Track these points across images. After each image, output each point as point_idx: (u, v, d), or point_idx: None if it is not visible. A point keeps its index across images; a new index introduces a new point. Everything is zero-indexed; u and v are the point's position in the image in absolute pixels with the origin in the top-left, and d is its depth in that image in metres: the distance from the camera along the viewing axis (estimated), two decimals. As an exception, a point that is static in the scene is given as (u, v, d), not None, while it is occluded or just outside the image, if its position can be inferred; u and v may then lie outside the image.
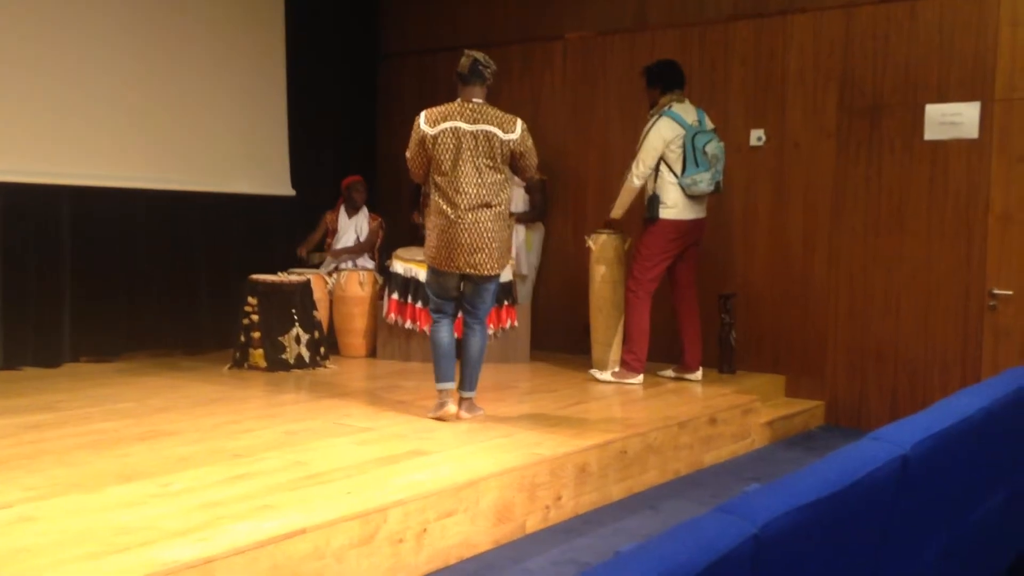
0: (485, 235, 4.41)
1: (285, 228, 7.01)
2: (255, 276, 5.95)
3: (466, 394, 4.61)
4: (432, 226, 4.50)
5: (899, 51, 5.71)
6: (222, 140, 6.78)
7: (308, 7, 7.29)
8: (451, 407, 4.50)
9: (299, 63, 7.24)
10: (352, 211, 6.90)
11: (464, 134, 4.40)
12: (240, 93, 6.89)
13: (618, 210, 5.73)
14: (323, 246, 6.96)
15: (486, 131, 4.41)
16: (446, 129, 4.40)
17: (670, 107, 5.57)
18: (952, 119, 5.53)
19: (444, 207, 4.42)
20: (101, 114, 6.06)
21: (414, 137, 4.49)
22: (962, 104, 5.51)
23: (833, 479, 1.69)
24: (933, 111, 5.60)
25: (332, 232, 6.92)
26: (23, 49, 5.69)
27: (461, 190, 4.39)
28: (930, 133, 5.61)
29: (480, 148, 4.40)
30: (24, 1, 5.69)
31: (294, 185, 7.20)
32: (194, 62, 6.58)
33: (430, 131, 4.42)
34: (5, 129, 5.61)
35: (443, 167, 4.41)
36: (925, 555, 2.19)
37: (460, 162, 4.39)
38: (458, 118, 4.42)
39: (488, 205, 4.42)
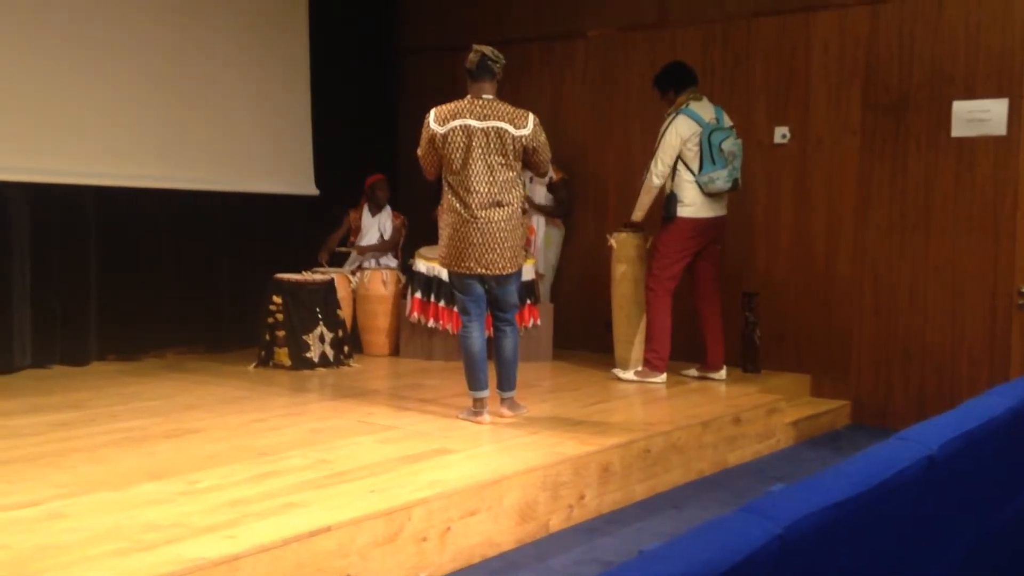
0: (497, 235, 4.37)
1: (307, 226, 7.05)
2: (280, 275, 5.99)
3: (506, 394, 4.58)
4: (445, 225, 4.46)
5: (925, 47, 5.65)
6: (247, 140, 6.82)
7: (329, 5, 7.32)
8: (486, 416, 4.46)
9: (320, 62, 7.27)
10: (375, 209, 6.93)
11: (474, 131, 4.33)
12: (264, 92, 6.93)
13: (639, 212, 5.72)
14: (346, 244, 6.98)
15: (497, 127, 4.34)
16: (456, 127, 4.35)
17: (687, 105, 5.55)
18: (980, 116, 5.47)
19: (456, 206, 4.39)
20: (126, 115, 6.11)
21: (424, 135, 4.45)
22: (990, 100, 5.45)
23: (859, 479, 1.68)
24: (960, 108, 5.54)
25: (356, 230, 6.95)
26: (48, 50, 5.74)
27: (472, 189, 4.35)
28: (957, 130, 5.55)
29: (491, 145, 4.34)
30: (49, 4, 5.74)
31: (315, 184, 7.24)
32: (218, 62, 6.63)
33: (439, 129, 4.38)
34: (31, 131, 5.67)
35: (454, 165, 4.38)
36: (951, 556, 2.17)
37: (471, 160, 4.34)
38: (468, 115, 4.36)
39: (500, 204, 4.37)
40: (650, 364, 5.64)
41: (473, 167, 4.35)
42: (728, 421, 4.88)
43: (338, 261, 6.89)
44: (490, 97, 4.43)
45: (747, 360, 6.03)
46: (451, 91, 4.90)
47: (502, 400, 4.59)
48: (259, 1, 6.87)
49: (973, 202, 5.53)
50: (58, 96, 5.78)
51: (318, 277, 6.13)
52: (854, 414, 5.92)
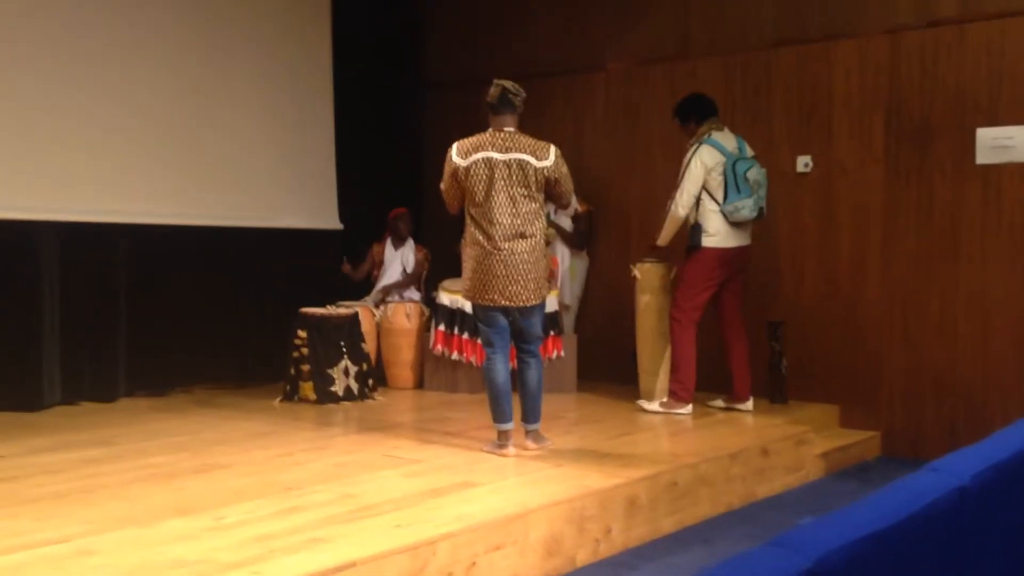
0: (521, 266, 4.38)
1: (331, 260, 7.09)
2: (305, 309, 6.03)
3: (531, 426, 4.57)
4: (468, 257, 4.48)
5: (948, 74, 5.64)
6: (271, 175, 6.90)
7: (353, 40, 7.42)
8: (511, 449, 4.45)
9: (344, 96, 7.35)
10: (398, 243, 6.97)
11: (497, 164, 4.37)
12: (288, 128, 7.01)
13: (664, 238, 5.72)
14: (370, 277, 7.02)
15: (519, 159, 4.38)
16: (478, 160, 4.39)
17: (709, 135, 5.56)
18: (1004, 142, 5.44)
19: (479, 238, 4.42)
20: (152, 152, 6.19)
21: (447, 169, 4.49)
22: (1014, 127, 5.42)
23: (889, 512, 1.65)
24: (984, 135, 5.51)
25: (378, 264, 6.99)
26: (74, 89, 5.85)
27: (495, 221, 4.38)
28: (982, 157, 5.52)
29: (514, 177, 4.37)
30: (76, 41, 5.86)
31: (340, 218, 7.30)
32: (243, 99, 6.72)
33: (462, 163, 4.42)
34: (59, 169, 5.75)
35: (477, 198, 4.41)
36: (987, 590, 2.13)
37: (493, 192, 4.37)
38: (490, 148, 4.40)
39: (523, 235, 4.40)
40: (676, 395, 5.60)
41: (496, 199, 4.38)
42: (756, 453, 4.83)
43: (362, 290, 6.92)
44: (512, 130, 4.47)
45: (774, 390, 5.98)
46: (474, 125, 4.95)
47: (527, 432, 4.57)
48: (284, 36, 6.98)
49: (1001, 229, 5.48)
50: (85, 135, 5.88)
51: (342, 311, 6.17)
52: (884, 445, 5.84)
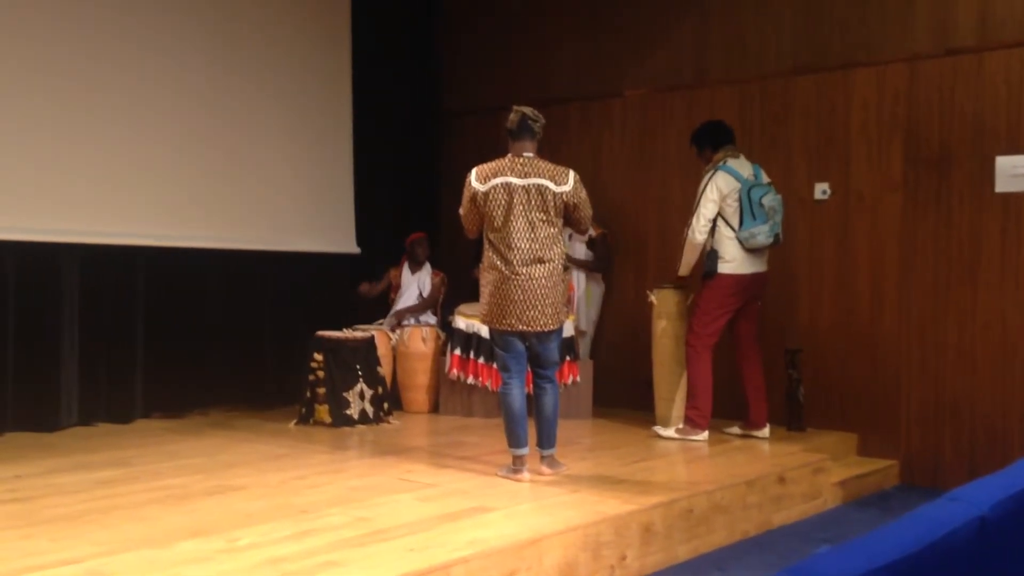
0: (538, 291, 4.39)
1: (348, 284, 7.12)
2: (321, 332, 6.05)
3: (547, 452, 4.56)
4: (486, 282, 4.50)
5: (966, 102, 5.63)
6: (290, 199, 6.95)
7: (371, 67, 7.49)
8: (526, 474, 4.44)
9: (362, 122, 7.42)
10: (415, 267, 6.99)
11: (516, 189, 4.39)
12: (307, 153, 7.07)
13: (684, 268, 5.71)
14: (386, 300, 7.05)
15: (538, 184, 4.40)
16: (497, 185, 4.41)
17: (725, 162, 5.57)
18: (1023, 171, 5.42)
19: (497, 263, 4.43)
20: (172, 177, 6.25)
21: (466, 194, 4.52)
22: (1033, 155, 5.40)
23: (907, 541, 1.64)
24: (1004, 163, 5.49)
25: (395, 288, 7.02)
26: (96, 114, 5.92)
27: (514, 245, 4.39)
28: (1001, 185, 5.49)
29: (532, 202, 4.39)
30: (95, 67, 5.93)
31: (357, 242, 7.34)
32: (263, 124, 6.79)
33: (481, 188, 4.45)
34: (80, 193, 5.81)
35: (495, 223, 4.43)
36: (1008, 622, 2.09)
37: (512, 217, 4.39)
38: (509, 173, 4.43)
39: (541, 260, 4.41)
40: (691, 422, 5.57)
41: (514, 224, 4.39)
42: (773, 480, 4.79)
43: (378, 313, 6.93)
44: (531, 155, 4.49)
45: (791, 418, 5.94)
46: (492, 151, 4.98)
47: (542, 458, 4.56)
48: (304, 62, 7.05)
49: (1020, 257, 5.44)
50: (104, 160, 5.93)
51: (359, 334, 6.18)
52: (903, 474, 5.78)
